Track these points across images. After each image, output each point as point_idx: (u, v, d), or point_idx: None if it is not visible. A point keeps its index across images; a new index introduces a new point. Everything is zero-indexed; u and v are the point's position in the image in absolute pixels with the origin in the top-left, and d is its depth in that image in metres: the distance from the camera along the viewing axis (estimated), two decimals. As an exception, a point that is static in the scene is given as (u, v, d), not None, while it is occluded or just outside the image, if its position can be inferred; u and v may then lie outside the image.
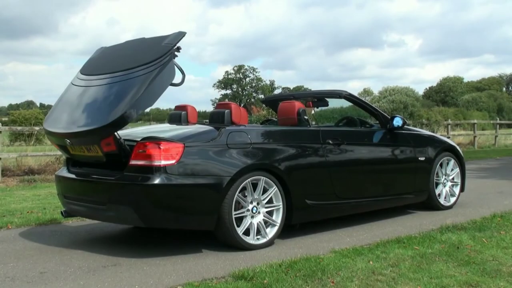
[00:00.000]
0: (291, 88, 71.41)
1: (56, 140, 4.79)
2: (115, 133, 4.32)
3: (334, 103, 8.43)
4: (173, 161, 4.21)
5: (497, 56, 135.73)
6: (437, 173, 6.24)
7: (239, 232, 4.44)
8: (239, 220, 4.51)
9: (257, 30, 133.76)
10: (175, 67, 4.43)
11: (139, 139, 4.39)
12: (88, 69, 4.97)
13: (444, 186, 6.38)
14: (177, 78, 4.51)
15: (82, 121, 4.46)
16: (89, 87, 4.69)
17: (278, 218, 4.71)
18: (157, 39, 4.71)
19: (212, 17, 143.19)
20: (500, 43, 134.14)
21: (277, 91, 70.62)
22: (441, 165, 6.31)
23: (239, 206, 4.52)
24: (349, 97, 5.75)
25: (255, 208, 4.60)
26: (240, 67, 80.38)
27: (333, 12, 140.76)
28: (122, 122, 4.19)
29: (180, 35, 4.58)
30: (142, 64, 4.39)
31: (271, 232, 4.67)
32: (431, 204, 6.23)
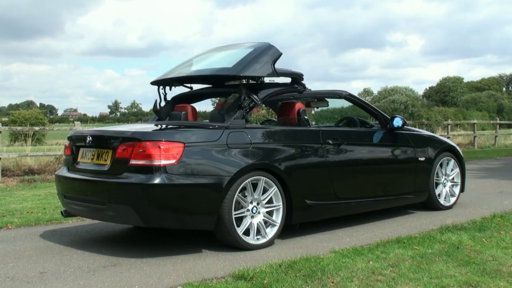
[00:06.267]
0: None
1: (79, 138, 4.92)
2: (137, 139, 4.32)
3: (334, 103, 8.42)
4: (173, 161, 4.21)
5: (500, 56, 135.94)
6: (437, 173, 6.24)
7: (239, 232, 4.44)
8: (239, 220, 4.51)
9: (261, 30, 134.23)
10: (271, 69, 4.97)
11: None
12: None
13: (444, 186, 6.38)
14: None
15: None
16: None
17: (278, 218, 4.71)
18: None
19: (218, 17, 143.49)
20: (503, 43, 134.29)
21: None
22: (441, 165, 6.31)
23: (239, 206, 4.52)
24: (349, 97, 5.75)
25: (255, 208, 4.60)
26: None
27: (339, 12, 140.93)
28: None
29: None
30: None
31: (271, 232, 4.67)
32: (431, 204, 6.23)
